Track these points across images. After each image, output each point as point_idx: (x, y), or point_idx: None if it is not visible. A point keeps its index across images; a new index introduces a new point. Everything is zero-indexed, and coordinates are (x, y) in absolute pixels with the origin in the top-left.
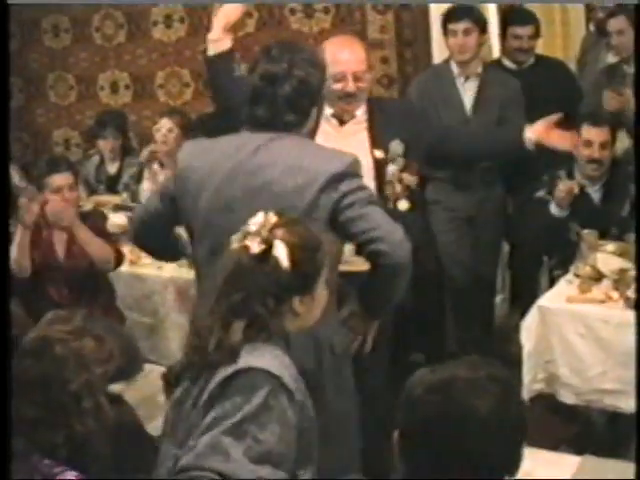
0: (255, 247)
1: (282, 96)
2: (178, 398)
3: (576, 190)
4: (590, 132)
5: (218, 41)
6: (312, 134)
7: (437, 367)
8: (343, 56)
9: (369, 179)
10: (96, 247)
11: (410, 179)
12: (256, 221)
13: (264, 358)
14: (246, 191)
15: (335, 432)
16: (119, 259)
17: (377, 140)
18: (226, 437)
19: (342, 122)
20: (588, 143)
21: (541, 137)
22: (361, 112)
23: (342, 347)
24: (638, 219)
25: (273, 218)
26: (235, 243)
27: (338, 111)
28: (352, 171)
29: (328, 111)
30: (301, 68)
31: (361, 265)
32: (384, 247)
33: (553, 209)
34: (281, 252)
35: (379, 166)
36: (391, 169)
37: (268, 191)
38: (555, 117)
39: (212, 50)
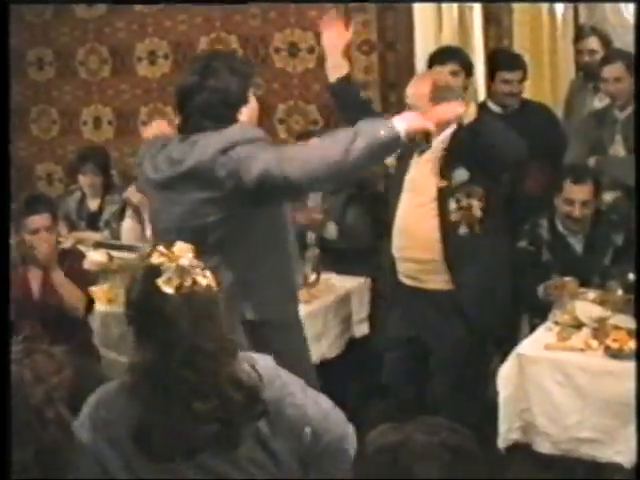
0: (202, 280)
1: (195, 106)
2: None
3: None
4: (572, 190)
5: (337, 67)
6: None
7: (396, 426)
8: (409, 90)
9: (433, 206)
10: (68, 292)
11: (475, 204)
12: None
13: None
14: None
15: None
16: (89, 305)
17: (445, 170)
18: None
19: (422, 151)
20: (569, 201)
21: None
22: (439, 141)
23: None
24: (638, 260)
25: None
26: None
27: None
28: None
29: None
30: (213, 77)
31: (434, 284)
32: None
33: (540, 292)
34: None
35: (442, 194)
36: (456, 196)
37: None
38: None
39: (333, 77)
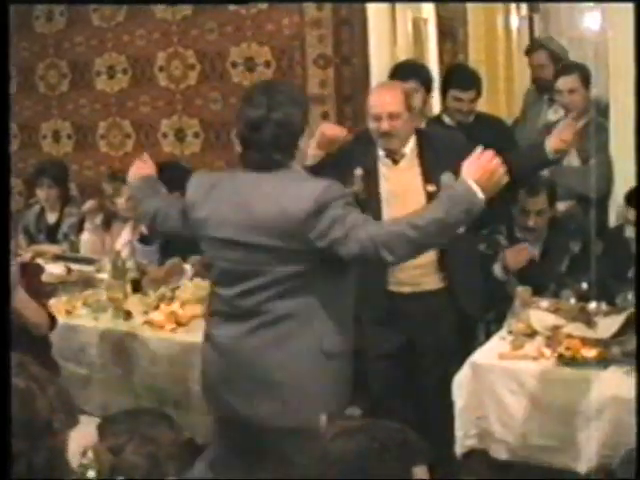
0: None
1: (263, 140)
2: None
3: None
4: (527, 202)
5: (313, 155)
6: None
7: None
8: (380, 98)
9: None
10: (31, 312)
11: None
12: None
13: None
14: (246, 225)
15: None
16: (52, 323)
17: (428, 175)
18: None
19: (395, 161)
20: (524, 212)
21: (559, 144)
22: (409, 149)
23: None
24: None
25: None
26: None
27: (385, 150)
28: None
29: (380, 152)
30: (279, 110)
31: (429, 285)
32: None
33: (497, 270)
34: None
35: (431, 198)
36: None
37: (263, 225)
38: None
39: (309, 161)
